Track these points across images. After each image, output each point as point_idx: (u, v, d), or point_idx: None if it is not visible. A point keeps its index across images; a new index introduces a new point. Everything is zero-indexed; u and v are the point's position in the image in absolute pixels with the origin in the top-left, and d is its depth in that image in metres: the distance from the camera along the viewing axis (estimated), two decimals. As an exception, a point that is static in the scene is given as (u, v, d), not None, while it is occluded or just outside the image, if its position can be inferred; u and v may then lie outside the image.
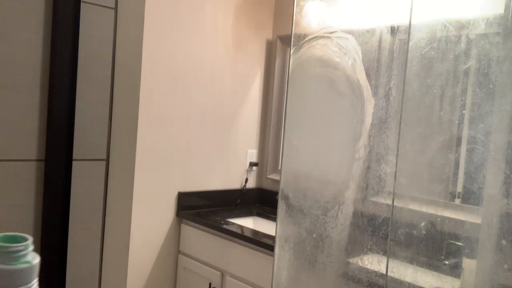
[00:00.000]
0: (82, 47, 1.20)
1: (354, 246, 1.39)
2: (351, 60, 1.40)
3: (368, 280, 1.37)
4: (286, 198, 1.53)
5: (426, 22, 1.24)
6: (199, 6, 2.42)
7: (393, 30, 1.34)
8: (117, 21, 1.27)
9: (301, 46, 1.52)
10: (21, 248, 0.34)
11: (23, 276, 0.33)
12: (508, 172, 1.06)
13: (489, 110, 1.11)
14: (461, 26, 1.19)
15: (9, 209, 0.89)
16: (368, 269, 1.37)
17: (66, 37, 1.20)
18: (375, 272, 1.34)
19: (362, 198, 1.39)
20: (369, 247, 1.34)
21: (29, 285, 0.34)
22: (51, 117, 1.21)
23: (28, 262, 0.34)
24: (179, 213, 2.42)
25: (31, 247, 0.35)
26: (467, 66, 1.19)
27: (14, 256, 0.33)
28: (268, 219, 2.51)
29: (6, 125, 0.95)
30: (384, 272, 1.29)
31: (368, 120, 1.37)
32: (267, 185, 2.78)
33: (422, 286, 1.25)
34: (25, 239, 0.35)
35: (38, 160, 1.21)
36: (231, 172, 2.67)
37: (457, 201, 1.29)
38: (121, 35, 1.28)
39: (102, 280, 1.32)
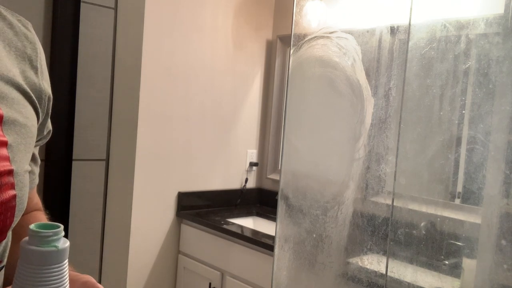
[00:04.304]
0: (82, 47, 1.20)
1: (354, 246, 1.39)
2: (351, 60, 1.40)
3: (368, 280, 1.37)
4: (286, 198, 1.53)
5: (425, 22, 1.24)
6: (199, 6, 2.42)
7: (393, 30, 1.34)
8: (117, 21, 1.27)
9: (301, 46, 1.52)
10: (50, 234, 0.42)
11: (51, 257, 0.42)
12: (508, 172, 1.06)
13: (489, 110, 1.11)
14: (461, 26, 1.19)
15: (9, 209, 0.89)
16: (368, 269, 1.37)
17: (66, 37, 1.20)
18: (375, 272, 1.34)
19: (362, 198, 1.39)
20: (369, 247, 1.34)
21: (58, 265, 0.42)
22: (51, 117, 1.21)
23: (55, 246, 0.42)
24: (179, 213, 2.42)
25: (61, 234, 0.43)
26: (467, 66, 1.19)
27: (45, 240, 0.42)
28: (268, 219, 2.51)
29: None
30: (384, 272, 1.29)
31: (368, 120, 1.37)
32: (267, 185, 2.78)
33: (422, 286, 1.25)
34: (57, 227, 0.43)
35: (38, 160, 1.22)
36: (231, 172, 2.67)
37: (457, 201, 1.29)
38: (121, 35, 1.28)
39: (102, 280, 1.32)
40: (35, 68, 0.61)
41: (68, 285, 0.44)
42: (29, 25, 0.63)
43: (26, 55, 0.60)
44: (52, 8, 1.19)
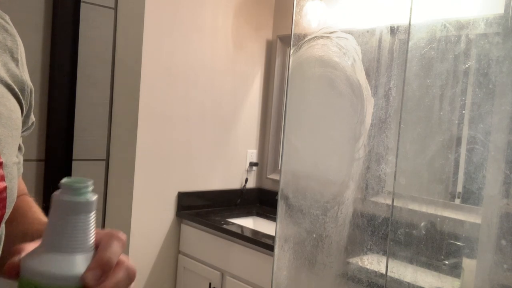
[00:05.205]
0: (82, 47, 1.20)
1: (354, 246, 1.39)
2: (351, 60, 1.40)
3: (368, 280, 1.37)
4: (286, 198, 1.53)
5: (425, 22, 1.24)
6: (199, 6, 2.42)
7: (393, 30, 1.34)
8: (117, 21, 1.27)
9: (301, 46, 1.52)
10: (83, 186, 0.46)
11: (83, 207, 0.46)
12: (508, 172, 1.06)
13: (489, 110, 1.11)
14: (461, 26, 1.19)
15: (9, 209, 0.89)
16: (368, 269, 1.37)
17: (66, 37, 1.20)
18: (375, 272, 1.34)
19: (362, 198, 1.39)
20: (369, 247, 1.34)
21: (88, 214, 0.46)
22: (51, 117, 1.21)
23: (87, 198, 0.46)
24: (179, 213, 2.42)
25: (91, 188, 0.47)
26: (467, 66, 1.19)
27: (77, 192, 0.46)
28: (268, 219, 2.51)
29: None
30: (384, 272, 1.29)
31: (368, 120, 1.37)
32: (267, 185, 2.78)
33: (422, 286, 1.25)
34: (87, 181, 0.47)
35: (38, 160, 1.21)
36: (231, 172, 2.67)
37: (457, 201, 1.29)
38: (121, 35, 1.28)
39: (102, 280, 1.32)
40: (16, 61, 0.60)
41: (94, 233, 0.48)
42: (7, 18, 0.62)
43: (6, 48, 0.60)
44: (52, 8, 1.19)
